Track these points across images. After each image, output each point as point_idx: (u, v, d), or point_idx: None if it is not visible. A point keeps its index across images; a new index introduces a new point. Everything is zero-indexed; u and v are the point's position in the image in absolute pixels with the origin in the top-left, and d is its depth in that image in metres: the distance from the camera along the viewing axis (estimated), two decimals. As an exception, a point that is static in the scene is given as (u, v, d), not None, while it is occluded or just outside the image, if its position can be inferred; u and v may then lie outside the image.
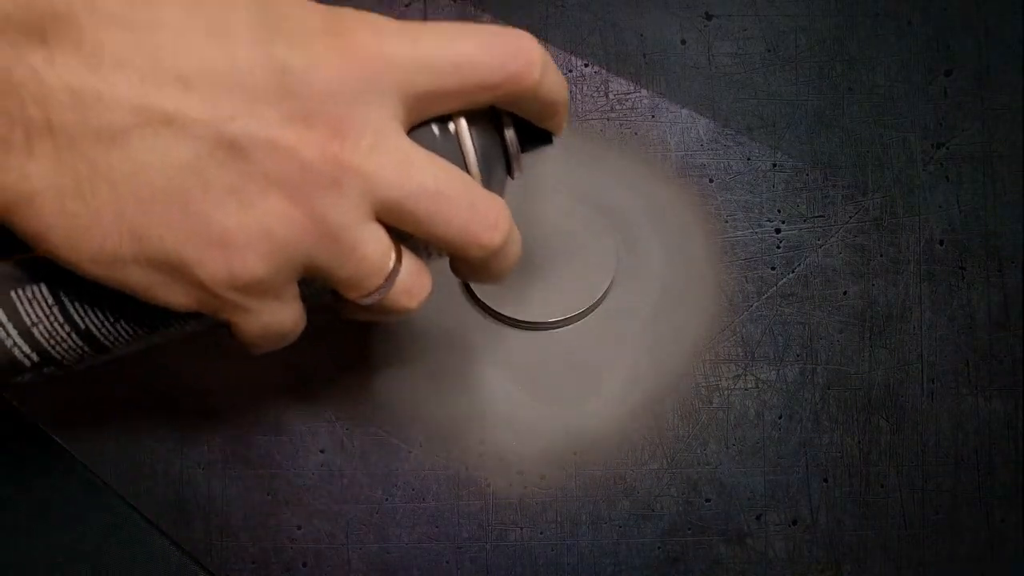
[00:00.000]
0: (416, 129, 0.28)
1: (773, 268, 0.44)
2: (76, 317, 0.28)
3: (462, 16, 0.49)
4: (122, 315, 0.29)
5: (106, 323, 0.29)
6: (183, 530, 0.39)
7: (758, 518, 0.39)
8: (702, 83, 0.47)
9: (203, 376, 0.42)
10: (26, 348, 0.28)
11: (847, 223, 0.44)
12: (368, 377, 0.42)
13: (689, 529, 0.39)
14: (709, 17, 0.48)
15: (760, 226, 0.44)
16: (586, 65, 0.48)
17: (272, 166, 0.25)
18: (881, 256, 0.44)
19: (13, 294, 0.28)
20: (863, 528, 0.39)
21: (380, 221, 0.27)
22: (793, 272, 0.43)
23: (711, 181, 0.45)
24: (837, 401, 0.41)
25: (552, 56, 0.47)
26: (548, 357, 0.42)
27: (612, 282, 0.43)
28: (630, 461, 0.40)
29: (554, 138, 0.31)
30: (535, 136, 0.31)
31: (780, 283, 0.43)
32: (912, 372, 0.42)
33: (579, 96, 0.47)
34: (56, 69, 0.23)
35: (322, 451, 0.41)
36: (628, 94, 0.47)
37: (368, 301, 0.28)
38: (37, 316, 0.28)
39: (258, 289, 0.26)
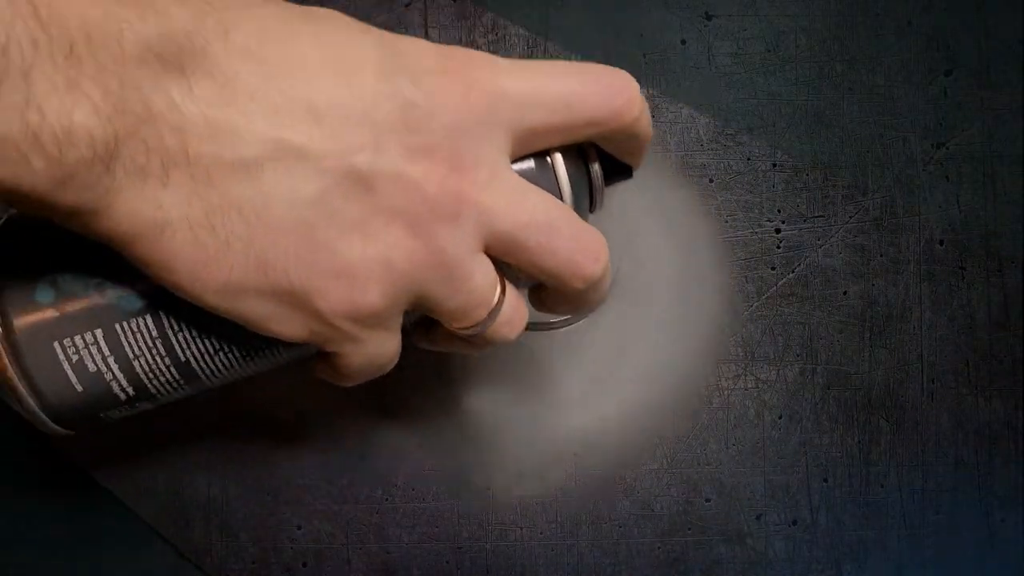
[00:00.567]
0: (515, 163, 0.29)
1: (773, 268, 0.44)
2: (178, 350, 0.28)
3: (462, 15, 0.49)
4: (223, 347, 0.29)
5: (206, 355, 0.29)
6: (183, 530, 0.39)
7: (758, 518, 0.39)
8: (702, 83, 0.47)
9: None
10: (124, 382, 0.28)
11: (847, 223, 0.44)
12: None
13: (689, 529, 0.39)
14: (709, 17, 0.48)
15: (760, 226, 0.44)
16: (586, 65, 0.48)
17: (396, 199, 0.25)
18: (881, 256, 0.44)
19: (117, 326, 0.27)
20: (863, 528, 0.39)
21: (487, 253, 0.28)
22: (793, 272, 0.43)
23: (711, 181, 0.45)
24: (837, 401, 0.41)
25: (552, 56, 0.47)
26: (548, 357, 0.42)
27: (612, 282, 0.43)
28: (630, 461, 0.40)
29: (634, 172, 0.32)
30: (616, 169, 0.32)
31: (780, 283, 0.43)
32: (912, 372, 0.42)
33: (579, 96, 0.47)
34: (194, 100, 0.23)
35: (322, 451, 0.41)
36: (628, 94, 0.47)
37: (470, 332, 0.29)
38: (140, 349, 0.28)
39: (373, 320, 0.27)
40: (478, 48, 0.48)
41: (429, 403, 0.41)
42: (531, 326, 0.42)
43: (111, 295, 0.27)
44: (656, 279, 0.44)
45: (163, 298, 0.27)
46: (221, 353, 0.29)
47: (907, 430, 0.41)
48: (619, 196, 0.45)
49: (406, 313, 0.29)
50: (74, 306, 0.27)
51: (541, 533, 0.39)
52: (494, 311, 0.29)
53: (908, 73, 0.47)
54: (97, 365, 0.28)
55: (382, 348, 0.29)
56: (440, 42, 0.48)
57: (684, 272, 0.44)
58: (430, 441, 0.41)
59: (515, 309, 0.30)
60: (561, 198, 0.30)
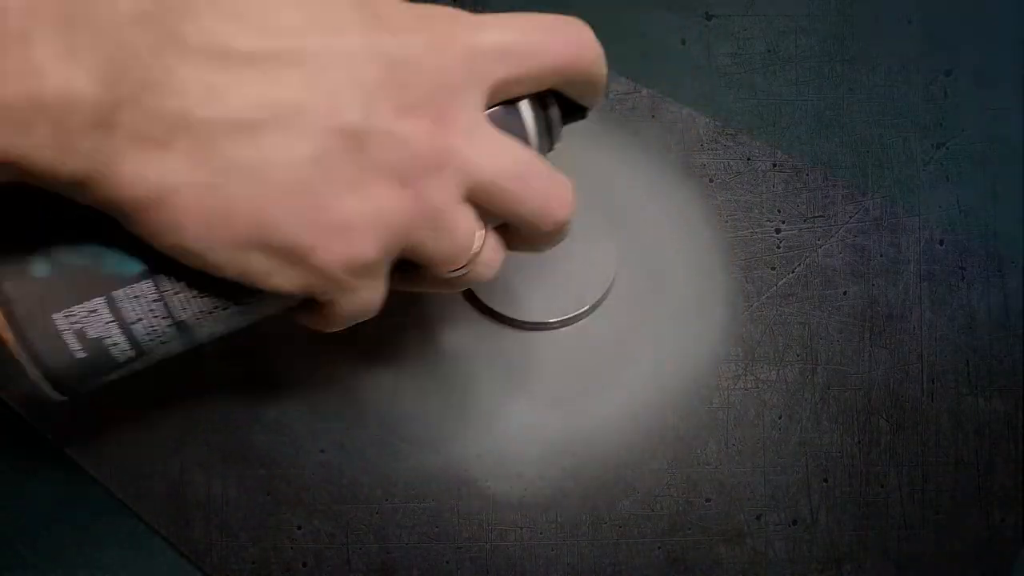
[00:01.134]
0: (492, 112, 0.30)
1: (773, 268, 0.44)
2: (177, 309, 0.29)
3: (462, 16, 0.49)
4: (220, 303, 0.30)
5: (203, 312, 0.30)
6: (183, 530, 0.39)
7: (758, 518, 0.39)
8: (702, 83, 0.47)
9: (203, 376, 0.42)
10: (125, 345, 0.29)
11: (847, 223, 0.44)
12: (368, 377, 0.42)
13: (689, 529, 0.39)
14: (709, 17, 0.48)
15: (760, 226, 0.44)
16: (586, 65, 0.48)
17: (388, 155, 0.26)
18: (881, 256, 0.44)
19: (116, 293, 0.28)
20: (863, 528, 0.39)
21: (468, 201, 0.29)
22: (793, 272, 0.43)
23: (711, 181, 0.45)
24: (837, 401, 0.41)
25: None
26: (548, 357, 0.42)
27: (612, 282, 0.43)
28: (630, 461, 0.40)
29: (587, 113, 0.34)
30: (571, 111, 0.33)
31: (780, 283, 0.43)
32: (912, 372, 0.42)
33: (579, 96, 0.47)
34: (190, 66, 0.24)
35: (322, 451, 0.41)
36: (628, 94, 0.47)
37: (455, 275, 0.31)
38: (140, 313, 0.28)
39: (367, 270, 0.28)
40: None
41: (429, 403, 0.41)
42: (531, 326, 0.42)
43: (109, 263, 0.28)
44: (656, 279, 0.44)
45: (160, 261, 0.27)
46: (218, 309, 0.30)
47: (907, 430, 0.41)
48: (619, 196, 0.45)
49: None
50: (72, 277, 0.27)
51: (541, 533, 0.39)
52: (477, 254, 0.30)
53: (908, 73, 0.47)
54: (98, 332, 0.28)
55: (372, 295, 0.30)
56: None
57: (684, 272, 0.44)
58: (430, 441, 0.41)
59: (494, 251, 0.31)
60: (528, 144, 0.31)
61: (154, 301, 0.28)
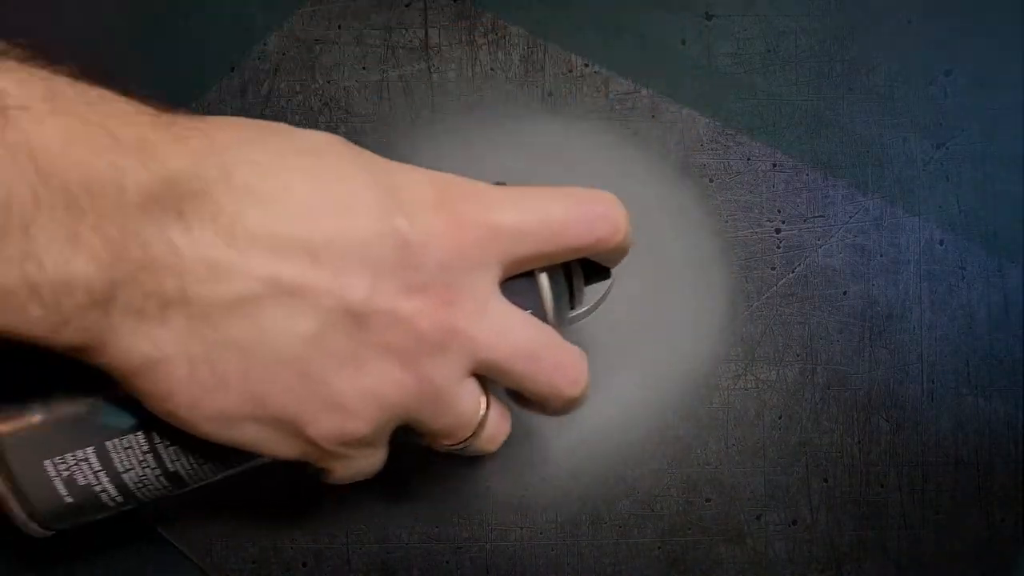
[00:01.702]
0: (508, 282, 0.30)
1: (773, 268, 0.44)
2: (168, 462, 0.29)
3: (461, 15, 0.49)
4: (212, 459, 0.30)
5: (195, 465, 0.30)
6: (183, 530, 0.39)
7: (758, 518, 0.39)
8: (702, 83, 0.47)
9: (203, 376, 0.42)
10: (114, 492, 0.29)
11: (847, 223, 0.44)
12: (368, 377, 0.42)
13: (689, 529, 0.39)
14: (709, 17, 0.48)
15: (760, 226, 0.44)
16: (586, 65, 0.48)
17: (389, 335, 0.26)
18: (881, 256, 0.44)
19: (108, 444, 0.28)
20: (863, 528, 0.39)
21: (473, 374, 0.29)
22: (793, 272, 0.43)
23: (711, 181, 0.45)
24: (837, 401, 0.41)
25: (552, 57, 0.47)
26: (548, 357, 0.42)
27: (612, 282, 0.43)
28: (630, 461, 0.40)
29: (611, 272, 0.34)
30: (595, 272, 0.33)
31: (780, 283, 0.43)
32: (912, 372, 0.42)
33: (579, 96, 0.47)
34: (194, 243, 0.24)
35: (322, 451, 0.41)
36: (628, 94, 0.47)
37: (455, 449, 0.31)
38: (130, 463, 0.29)
39: (361, 444, 0.28)
40: (478, 48, 0.48)
41: (429, 403, 0.41)
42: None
43: (102, 414, 0.28)
44: (656, 279, 0.44)
45: (154, 415, 0.27)
46: (209, 463, 0.30)
47: (907, 430, 0.41)
48: (619, 196, 0.45)
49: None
50: (65, 424, 0.28)
51: (541, 533, 0.39)
52: (478, 429, 0.30)
53: (908, 73, 0.47)
54: (87, 479, 0.28)
55: (369, 462, 0.30)
56: (441, 42, 0.48)
57: (684, 272, 0.44)
58: (430, 441, 0.41)
59: (498, 425, 0.31)
60: (545, 315, 0.31)
61: (145, 452, 0.29)
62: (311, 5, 0.49)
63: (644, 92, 0.47)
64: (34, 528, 0.29)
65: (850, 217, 0.44)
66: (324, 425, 0.27)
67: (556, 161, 0.46)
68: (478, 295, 0.27)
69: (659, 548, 0.39)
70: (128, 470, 0.29)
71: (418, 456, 0.40)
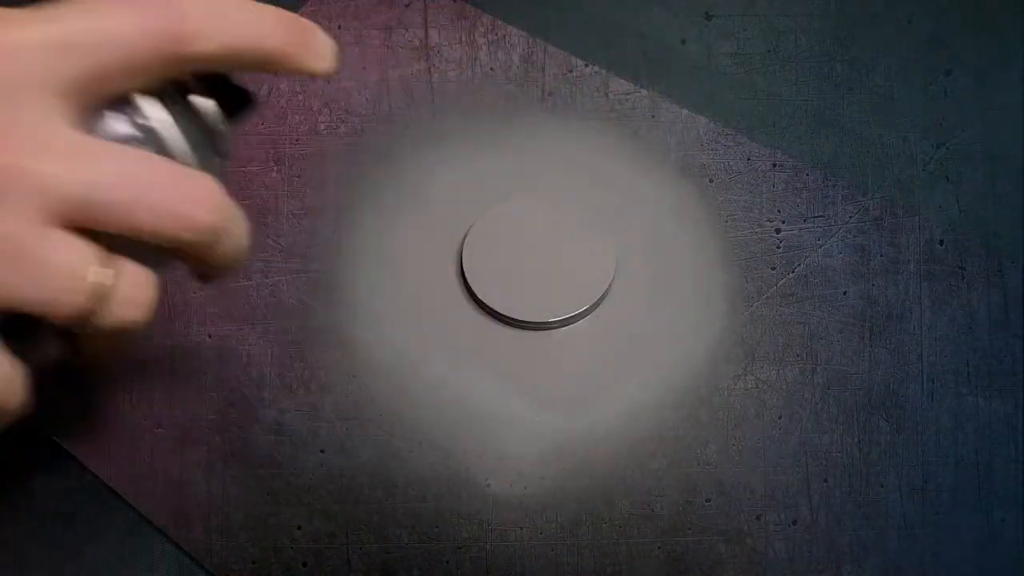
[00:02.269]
0: (102, 120, 0.26)
1: (773, 268, 0.44)
2: None
3: (461, 15, 0.49)
4: None
5: None
6: (183, 530, 0.39)
7: (758, 518, 0.39)
8: (702, 83, 0.47)
9: (203, 377, 0.42)
10: None
11: (847, 223, 0.44)
12: (368, 377, 0.42)
13: (689, 529, 0.39)
14: (709, 17, 0.48)
15: (760, 226, 0.44)
16: (586, 65, 0.48)
17: None
18: (881, 256, 0.44)
19: None
20: (863, 528, 0.39)
21: (75, 228, 0.25)
22: (793, 272, 0.43)
23: (711, 181, 0.45)
24: (837, 401, 0.41)
25: (552, 57, 0.47)
26: (548, 357, 0.42)
27: (612, 282, 0.43)
28: (630, 461, 0.40)
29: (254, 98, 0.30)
30: (238, 100, 0.29)
31: (780, 283, 0.43)
32: (912, 372, 0.42)
33: (579, 96, 0.47)
34: None
35: (322, 451, 0.41)
36: (628, 94, 0.47)
37: (80, 322, 0.26)
38: None
39: None
40: (478, 48, 0.48)
41: (429, 403, 0.41)
42: (531, 326, 0.42)
43: None
44: (656, 279, 0.44)
45: None
46: None
47: (907, 430, 0.41)
48: (619, 196, 0.45)
49: (16, 335, 0.26)
50: None
51: (541, 533, 0.39)
52: (100, 293, 0.25)
53: (908, 73, 0.47)
54: None
55: None
56: (441, 42, 0.48)
57: (684, 272, 0.44)
58: (430, 441, 0.41)
59: (139, 286, 0.26)
60: (161, 147, 0.27)
61: None
62: (311, 5, 0.49)
63: (644, 92, 0.47)
64: None
65: (850, 217, 0.44)
66: None
67: (556, 161, 0.46)
68: (32, 126, 0.24)
69: (659, 548, 0.39)
70: None
71: (418, 456, 0.40)
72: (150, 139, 0.27)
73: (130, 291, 0.26)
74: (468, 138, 0.47)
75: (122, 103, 0.26)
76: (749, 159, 0.45)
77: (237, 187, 0.42)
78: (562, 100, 0.47)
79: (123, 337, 0.27)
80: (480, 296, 0.42)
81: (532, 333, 0.43)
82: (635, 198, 0.45)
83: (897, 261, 0.43)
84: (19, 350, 0.26)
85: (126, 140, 0.26)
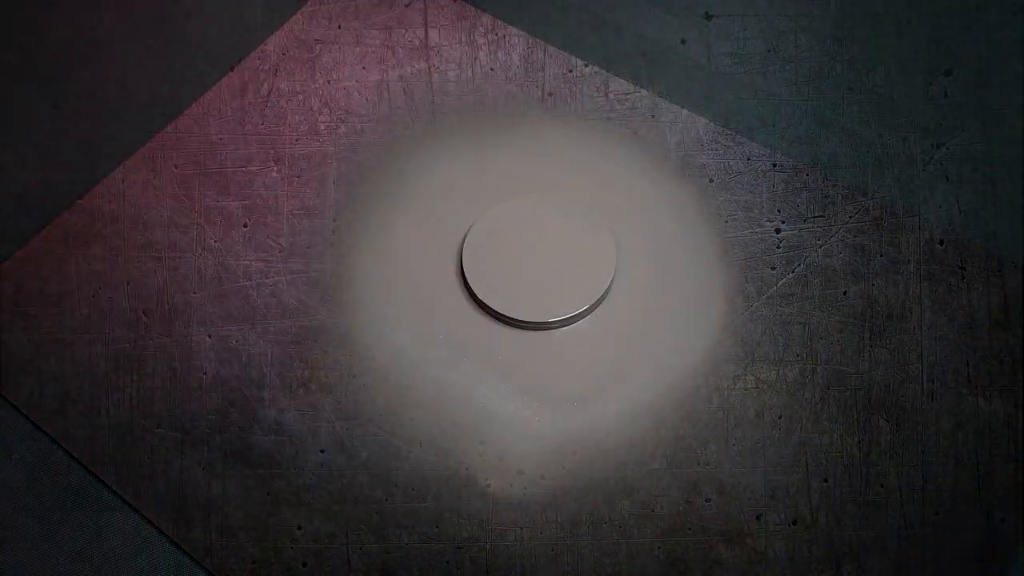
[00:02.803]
0: None
1: (773, 268, 0.44)
2: None
3: (461, 15, 0.49)
4: None
5: None
6: (183, 530, 0.39)
7: (758, 518, 0.39)
8: (702, 83, 0.47)
9: (203, 377, 0.42)
10: None
11: (847, 223, 0.44)
12: (368, 377, 0.42)
13: (689, 529, 0.39)
14: (709, 17, 0.48)
15: (760, 226, 0.44)
16: (586, 65, 0.48)
17: None
18: (881, 256, 0.44)
19: None
20: (863, 528, 0.39)
21: None
22: (793, 272, 0.43)
23: (711, 181, 0.45)
24: (837, 401, 0.41)
25: (552, 57, 0.47)
26: (548, 357, 0.42)
27: (612, 282, 0.43)
28: (630, 461, 0.40)
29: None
30: None
31: (780, 283, 0.43)
32: (912, 372, 0.42)
33: (579, 96, 0.47)
34: None
35: (322, 451, 0.41)
36: (628, 94, 0.47)
37: None
38: None
39: None
40: (478, 48, 0.48)
41: (429, 403, 0.41)
42: (531, 326, 0.43)
43: None
44: (656, 279, 0.44)
45: None
46: None
47: (907, 430, 0.41)
48: (619, 196, 0.45)
49: None
50: None
51: (541, 533, 0.39)
52: None
53: (908, 73, 0.47)
54: None
55: None
56: (441, 42, 0.48)
57: (684, 272, 0.44)
58: (430, 441, 0.41)
59: None
60: None
61: None
62: (311, 5, 0.49)
63: (644, 92, 0.47)
64: None
65: (850, 217, 0.44)
66: None
67: (556, 161, 0.46)
68: None
69: (659, 548, 0.39)
70: None
71: (418, 456, 0.40)
72: None
73: None
74: (468, 138, 0.47)
75: None
76: (749, 159, 0.45)
77: (237, 187, 0.42)
78: (562, 100, 0.47)
79: None
80: (480, 296, 0.42)
81: (532, 333, 0.43)
82: (635, 198, 0.45)
83: (897, 261, 0.43)
84: None
85: None
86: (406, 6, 0.49)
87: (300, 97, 0.48)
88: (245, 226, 0.44)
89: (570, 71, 0.48)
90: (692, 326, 0.43)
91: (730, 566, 0.38)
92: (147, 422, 0.41)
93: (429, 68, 0.48)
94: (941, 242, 0.44)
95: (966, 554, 0.38)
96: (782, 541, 0.39)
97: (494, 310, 0.42)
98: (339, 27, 0.49)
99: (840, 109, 0.46)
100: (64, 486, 0.41)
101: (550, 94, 0.48)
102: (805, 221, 0.44)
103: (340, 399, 0.41)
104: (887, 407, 0.41)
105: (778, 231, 0.44)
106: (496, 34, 0.48)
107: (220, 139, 0.46)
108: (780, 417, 0.41)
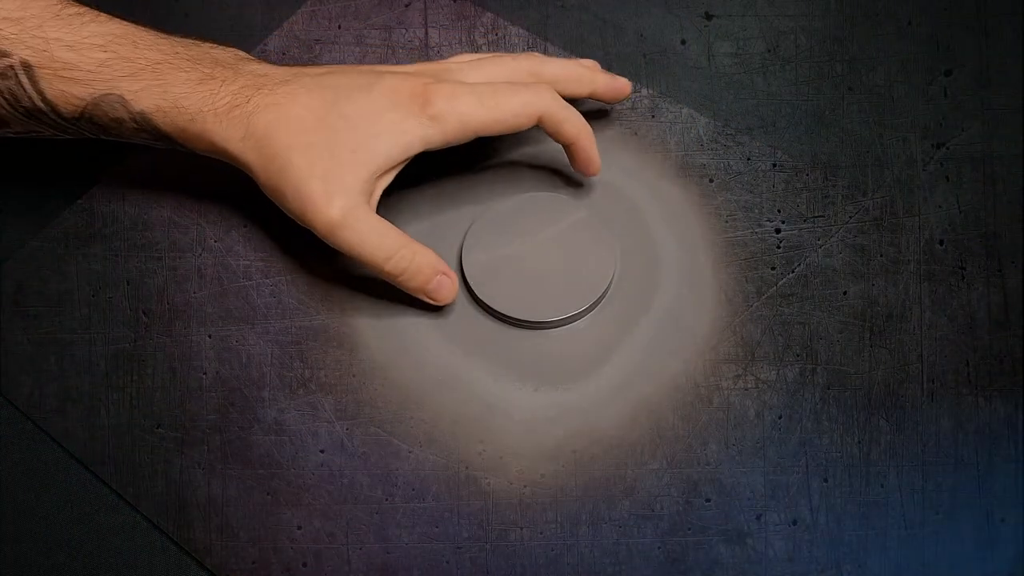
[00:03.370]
0: None
1: (773, 268, 0.44)
2: None
3: (462, 15, 0.49)
4: None
5: None
6: (183, 530, 0.39)
7: (758, 518, 0.39)
8: (702, 83, 0.47)
9: (203, 377, 0.42)
10: None
11: (847, 223, 0.44)
12: (368, 377, 0.42)
13: (689, 529, 0.39)
14: (709, 17, 0.48)
15: (760, 226, 0.44)
16: (586, 65, 0.48)
17: None
18: (881, 256, 0.44)
19: None
20: (863, 528, 0.39)
21: None
22: (793, 272, 0.43)
23: (711, 181, 0.45)
24: (837, 401, 0.41)
25: (552, 56, 0.47)
26: (548, 357, 0.42)
27: (612, 282, 0.43)
28: (630, 461, 0.40)
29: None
30: None
31: (780, 283, 0.43)
32: (912, 372, 0.42)
33: (579, 96, 0.47)
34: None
35: (322, 451, 0.41)
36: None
37: None
38: None
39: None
40: (478, 48, 0.48)
41: (429, 403, 0.41)
42: (531, 326, 0.42)
43: None
44: (656, 279, 0.44)
45: None
46: None
47: (907, 430, 0.41)
48: (619, 196, 0.45)
49: None
50: None
51: (541, 533, 0.39)
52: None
53: (908, 73, 0.47)
54: None
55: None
56: (441, 42, 0.48)
57: (684, 272, 0.44)
58: (430, 441, 0.41)
59: None
60: None
61: None
62: (311, 5, 0.49)
63: (644, 92, 0.47)
64: None
65: (850, 217, 0.44)
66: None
67: (556, 161, 0.46)
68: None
69: (659, 548, 0.39)
70: None
71: (418, 456, 0.40)
72: None
73: None
74: (468, 138, 0.47)
75: None
76: (749, 159, 0.45)
77: (237, 187, 0.42)
78: (562, 100, 0.47)
79: None
80: (480, 296, 0.42)
81: (532, 333, 0.43)
82: (635, 198, 0.45)
83: (897, 261, 0.43)
84: None
85: None
86: (406, 6, 0.49)
87: (300, 97, 0.47)
88: (245, 226, 0.44)
89: (570, 71, 0.48)
90: (692, 326, 0.43)
91: (730, 566, 0.38)
92: (147, 422, 0.41)
93: (429, 68, 0.48)
94: (941, 242, 0.44)
95: (966, 554, 0.38)
96: (782, 541, 0.39)
97: (494, 310, 0.42)
98: (339, 27, 0.49)
99: (840, 109, 0.46)
100: (64, 486, 0.41)
101: (550, 94, 0.47)
102: (805, 221, 0.44)
103: (340, 399, 0.41)
104: (887, 407, 0.41)
105: (778, 231, 0.44)
106: (496, 34, 0.48)
107: (220, 139, 0.46)
108: (780, 417, 0.41)
